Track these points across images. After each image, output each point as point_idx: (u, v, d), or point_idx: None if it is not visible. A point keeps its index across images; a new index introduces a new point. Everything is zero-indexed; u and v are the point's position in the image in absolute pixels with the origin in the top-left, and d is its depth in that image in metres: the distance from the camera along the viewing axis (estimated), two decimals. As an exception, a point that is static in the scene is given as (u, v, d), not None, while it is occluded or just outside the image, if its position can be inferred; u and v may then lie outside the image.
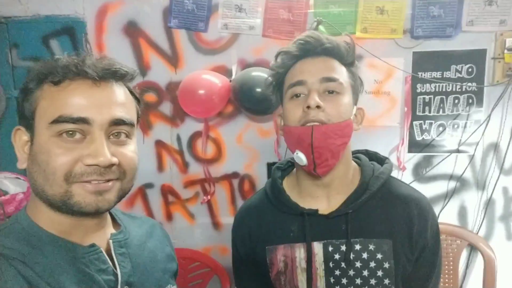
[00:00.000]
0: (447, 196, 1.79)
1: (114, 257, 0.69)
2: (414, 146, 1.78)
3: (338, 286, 0.86)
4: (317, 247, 0.87)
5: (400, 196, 0.90)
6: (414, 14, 1.68)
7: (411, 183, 1.78)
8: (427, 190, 1.79)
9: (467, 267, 1.82)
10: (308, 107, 0.81)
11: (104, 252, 0.68)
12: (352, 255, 0.85)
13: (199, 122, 1.84)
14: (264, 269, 0.93)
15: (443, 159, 1.77)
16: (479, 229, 1.78)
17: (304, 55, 0.87)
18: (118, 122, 0.63)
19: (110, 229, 0.74)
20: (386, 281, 0.85)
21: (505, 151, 1.72)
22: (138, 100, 0.72)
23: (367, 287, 0.85)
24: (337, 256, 0.86)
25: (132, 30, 1.80)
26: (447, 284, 1.75)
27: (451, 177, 1.78)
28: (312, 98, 0.81)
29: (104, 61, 0.64)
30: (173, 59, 1.81)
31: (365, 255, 0.85)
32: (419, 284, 0.90)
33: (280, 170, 1.00)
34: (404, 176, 1.78)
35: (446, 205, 1.79)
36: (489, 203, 1.77)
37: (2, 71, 1.83)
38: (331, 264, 0.86)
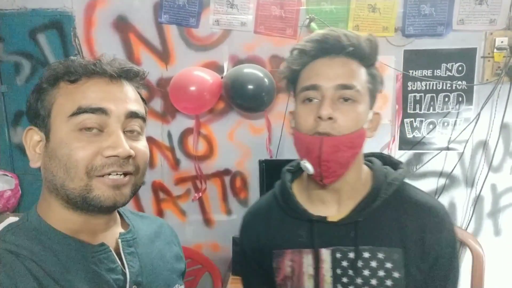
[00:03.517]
0: (437, 193, 1.81)
1: (123, 256, 0.69)
2: (405, 143, 1.79)
3: None
4: (325, 254, 0.84)
5: (414, 204, 0.85)
6: (405, 12, 1.69)
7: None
8: (417, 187, 1.81)
9: (455, 263, 1.84)
10: (320, 117, 0.77)
11: (113, 251, 0.68)
12: (360, 263, 0.82)
13: (190, 118, 1.83)
14: (271, 272, 0.90)
15: (433, 157, 1.78)
16: (468, 225, 1.81)
17: (320, 55, 0.80)
18: (133, 115, 0.66)
19: (119, 228, 0.74)
20: None
21: (494, 149, 1.74)
22: (145, 102, 0.74)
23: None
24: (344, 263, 0.83)
25: (122, 25, 1.77)
26: (436, 280, 1.77)
27: (440, 174, 1.80)
28: (325, 108, 0.76)
29: (117, 61, 0.68)
30: (164, 55, 1.79)
31: (373, 264, 0.82)
32: None
33: (290, 172, 0.96)
34: (395, 173, 1.80)
35: (435, 202, 1.81)
36: (478, 200, 1.79)
37: (-12, 65, 1.80)
38: (338, 271, 0.84)
